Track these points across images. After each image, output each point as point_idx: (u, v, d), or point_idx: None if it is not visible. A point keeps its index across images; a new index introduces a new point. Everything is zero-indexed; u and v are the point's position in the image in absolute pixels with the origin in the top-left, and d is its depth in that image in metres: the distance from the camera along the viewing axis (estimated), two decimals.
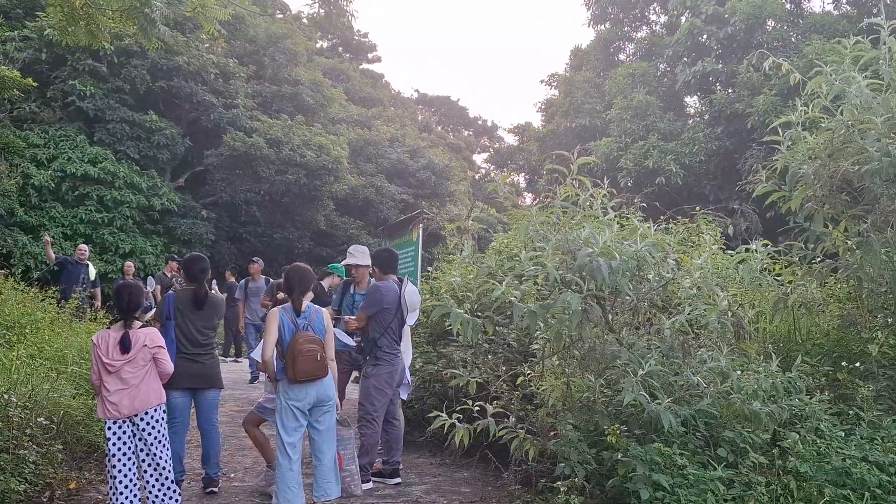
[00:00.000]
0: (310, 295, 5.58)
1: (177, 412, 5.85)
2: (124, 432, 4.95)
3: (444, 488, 6.32)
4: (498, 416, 5.33)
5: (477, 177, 50.83)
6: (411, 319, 6.64)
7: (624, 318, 4.81)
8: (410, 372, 7.45)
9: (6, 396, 5.40)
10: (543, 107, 28.30)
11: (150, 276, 15.52)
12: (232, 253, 24.49)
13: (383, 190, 29.24)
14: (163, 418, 5.07)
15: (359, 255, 7.26)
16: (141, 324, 5.06)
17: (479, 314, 6.28)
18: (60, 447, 5.79)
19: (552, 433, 5.24)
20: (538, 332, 4.90)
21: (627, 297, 4.42)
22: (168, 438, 5.12)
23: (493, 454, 6.26)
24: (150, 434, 4.97)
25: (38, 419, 5.49)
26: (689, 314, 4.62)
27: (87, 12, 9.54)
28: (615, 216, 4.81)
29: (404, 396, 6.93)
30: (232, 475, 6.58)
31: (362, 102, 40.07)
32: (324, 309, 5.54)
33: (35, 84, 19.08)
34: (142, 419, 4.95)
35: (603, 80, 24.05)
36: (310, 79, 29.13)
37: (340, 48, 49.97)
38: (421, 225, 15.36)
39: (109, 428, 4.93)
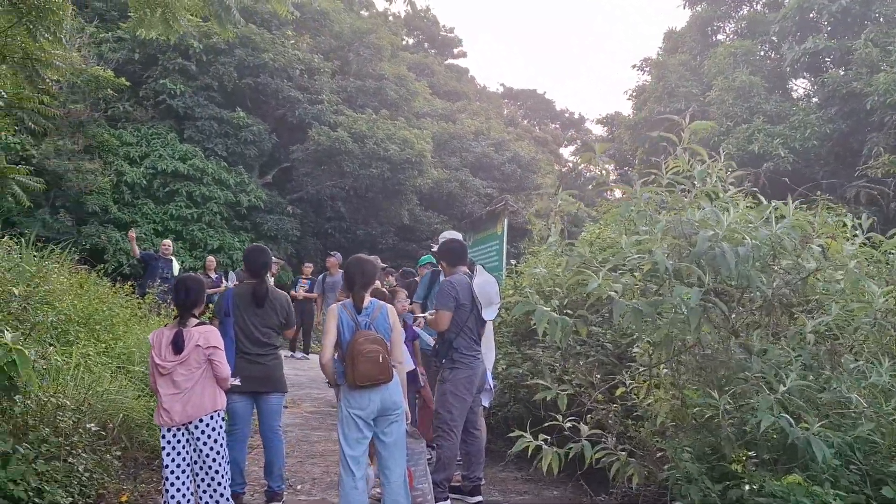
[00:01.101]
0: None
1: (236, 418, 5.36)
2: (178, 441, 4.48)
3: None
4: (593, 433, 4.60)
5: (563, 170, 49.78)
6: (489, 314, 5.93)
7: (748, 318, 4.00)
8: (493, 376, 6.77)
9: (54, 400, 4.99)
10: (635, 94, 27.05)
11: (232, 271, 15.33)
12: (317, 248, 24.37)
13: (468, 184, 28.63)
14: (220, 427, 4.57)
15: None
16: (197, 321, 4.56)
17: (569, 312, 5.60)
18: (118, 453, 5.38)
19: (659, 454, 4.48)
20: (639, 334, 4.12)
21: (757, 293, 3.61)
22: (226, 449, 4.62)
23: (587, 472, 5.54)
24: (204, 444, 4.48)
25: (88, 425, 5.06)
26: (834, 314, 3.75)
27: (162, 1, 9.28)
28: (737, 193, 3.99)
29: (486, 403, 6.24)
30: (299, 487, 6.05)
31: (447, 97, 39.65)
32: (389, 305, 4.93)
33: (128, 84, 19.33)
34: (196, 427, 4.46)
35: (699, 62, 22.68)
36: (394, 73, 28.80)
37: (426, 44, 49.79)
38: (506, 218, 14.70)
39: (164, 436, 4.48)
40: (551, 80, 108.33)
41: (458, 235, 6.98)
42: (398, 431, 4.74)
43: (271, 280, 14.40)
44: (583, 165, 52.58)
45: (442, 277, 7.04)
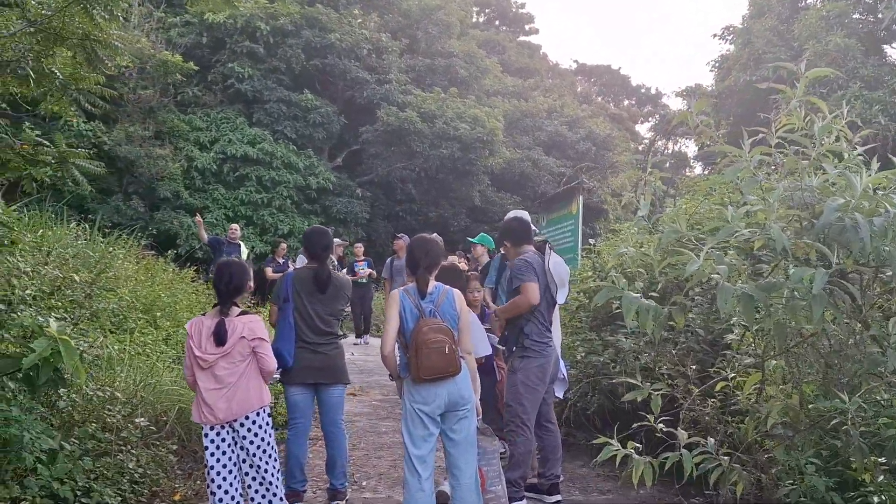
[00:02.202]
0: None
1: (297, 411, 5.01)
2: (223, 440, 4.13)
3: None
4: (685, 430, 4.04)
5: (640, 147, 48.46)
6: (561, 297, 5.40)
7: (882, 303, 3.38)
8: (571, 364, 6.25)
9: (102, 394, 4.71)
10: (717, 63, 25.78)
11: (301, 255, 15.01)
12: (387, 231, 24.11)
13: (540, 163, 27.96)
14: (268, 423, 4.20)
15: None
16: (240, 310, 4.19)
17: (654, 295, 5.06)
18: (174, 447, 5.10)
19: (766, 456, 3.92)
20: (748, 323, 3.54)
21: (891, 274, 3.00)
22: (275, 448, 4.24)
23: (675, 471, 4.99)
24: (251, 442, 4.11)
25: (139, 420, 4.77)
26: None
27: None
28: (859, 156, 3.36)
29: (559, 394, 5.72)
30: (364, 483, 5.67)
31: (518, 74, 38.91)
32: (457, 290, 4.46)
33: (196, 68, 19.37)
34: (242, 425, 4.10)
35: (787, 27, 21.35)
36: (463, 51, 28.25)
37: (497, 21, 49.08)
38: (581, 197, 14.07)
39: (206, 435, 4.13)
40: (626, 55, 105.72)
41: (524, 214, 6.47)
42: (468, 428, 4.29)
43: (335, 263, 14.21)
44: (662, 142, 51.27)
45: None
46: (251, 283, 13.04)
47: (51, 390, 4.29)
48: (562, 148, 30.17)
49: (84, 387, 4.59)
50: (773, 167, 3.60)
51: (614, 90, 55.81)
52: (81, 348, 5.12)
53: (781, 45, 20.24)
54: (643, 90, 56.65)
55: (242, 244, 13.10)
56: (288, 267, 13.15)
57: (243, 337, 4.09)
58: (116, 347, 6.02)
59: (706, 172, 34.98)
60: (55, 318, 6.03)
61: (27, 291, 5.95)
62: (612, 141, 32.07)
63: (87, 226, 9.70)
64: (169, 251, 14.93)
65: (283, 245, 13.88)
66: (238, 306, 4.23)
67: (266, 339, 4.20)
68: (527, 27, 50.63)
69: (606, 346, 6.39)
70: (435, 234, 6.01)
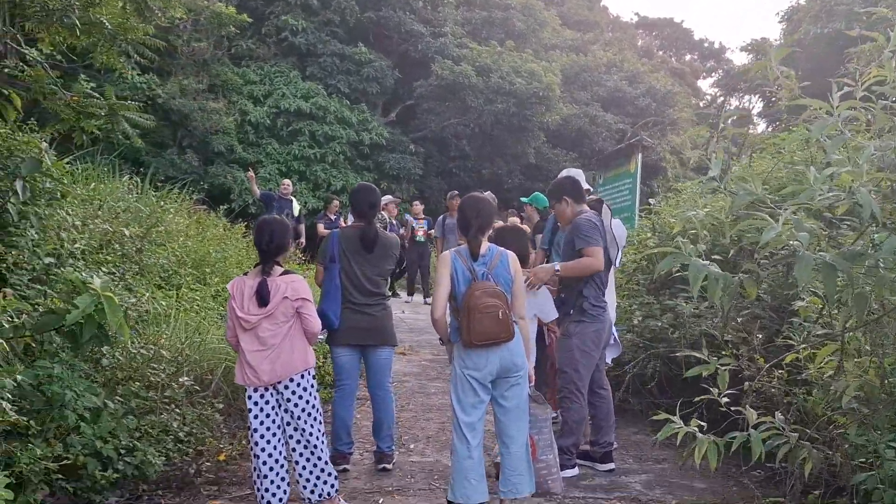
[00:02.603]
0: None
1: (343, 373, 4.90)
2: (267, 402, 4.03)
3: (672, 480, 4.91)
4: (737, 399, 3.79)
5: (702, 104, 47.10)
6: (618, 261, 5.16)
7: None
8: (627, 328, 6.01)
9: (146, 352, 4.64)
10: (786, 15, 24.59)
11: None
12: (440, 188, 23.86)
13: (598, 119, 27.20)
14: (312, 386, 4.08)
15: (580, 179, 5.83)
16: (283, 269, 4.05)
17: (717, 258, 4.78)
18: (221, 405, 5.04)
19: (837, 432, 3.66)
20: (829, 294, 3.25)
21: None
22: (320, 411, 4.13)
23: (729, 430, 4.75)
24: (296, 405, 4.01)
25: (182, 379, 4.70)
26: None
27: None
28: None
29: (609, 360, 5.51)
30: (412, 446, 5.57)
31: (577, 27, 37.92)
32: (511, 252, 4.25)
33: (250, 20, 19.23)
34: (286, 387, 3.99)
35: None
36: (521, 2, 27.52)
37: None
38: (640, 154, 13.61)
39: (250, 397, 4.03)
40: (689, 7, 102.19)
41: (577, 172, 6.18)
42: (519, 395, 4.12)
43: (387, 221, 13.89)
44: (722, 98, 49.70)
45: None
46: (302, 240, 13.01)
47: (95, 347, 4.23)
48: (621, 104, 29.31)
49: (128, 344, 4.54)
50: (859, 124, 3.27)
51: (676, 44, 54.30)
52: (126, 305, 5.09)
53: None
54: (706, 44, 54.95)
55: (294, 200, 13.05)
56: (340, 223, 13.06)
57: (286, 297, 3.95)
58: (164, 303, 5.97)
59: (770, 130, 33.75)
60: (104, 272, 6.03)
61: (76, 246, 5.93)
62: (674, 97, 31.05)
63: (139, 180, 9.70)
64: (222, 206, 15.03)
65: (336, 201, 13.76)
66: (280, 265, 4.09)
67: (310, 299, 4.06)
68: None
69: (665, 310, 6.12)
70: (488, 193, 5.79)
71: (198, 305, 6.45)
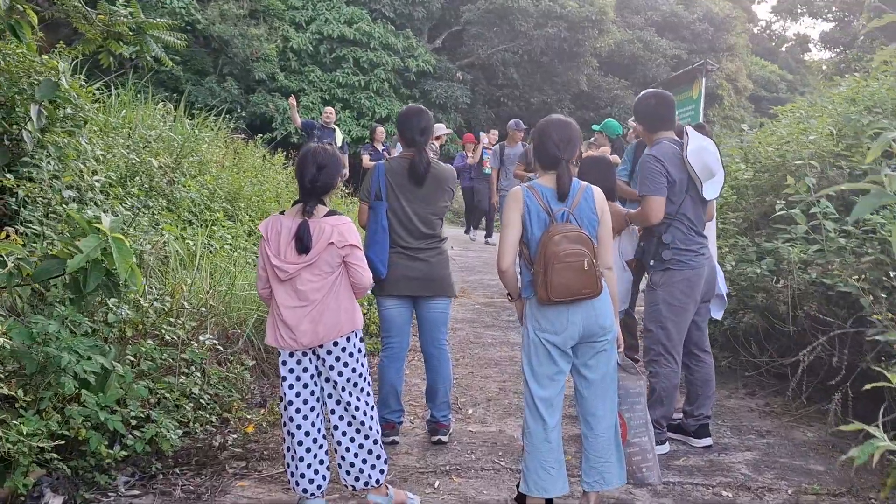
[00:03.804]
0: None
1: (392, 328, 4.22)
2: (305, 370, 3.35)
3: (782, 460, 4.15)
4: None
5: (756, 30, 44.87)
6: (712, 191, 4.26)
7: None
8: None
9: (160, 304, 3.98)
10: None
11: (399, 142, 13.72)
12: (488, 118, 22.93)
13: (652, 45, 25.81)
14: (360, 351, 3.39)
15: None
16: (327, 210, 3.33)
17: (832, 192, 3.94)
18: (251, 362, 4.42)
19: None
20: None
21: None
22: (368, 380, 3.45)
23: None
24: (340, 374, 3.32)
25: (203, 337, 4.04)
26: None
27: None
28: None
29: (717, 315, 4.70)
30: (469, 412, 4.86)
31: None
32: (595, 187, 3.47)
33: None
34: (329, 352, 3.31)
35: None
36: None
37: None
38: (704, 79, 12.65)
39: (284, 363, 3.35)
40: None
41: (664, 95, 5.32)
42: (607, 364, 3.39)
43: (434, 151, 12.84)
44: (781, 24, 47.30)
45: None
46: (345, 171, 12.29)
47: (101, 299, 3.61)
48: (676, 29, 27.80)
49: (141, 295, 3.90)
50: None
51: None
52: (141, 248, 4.46)
53: None
54: None
55: (337, 129, 12.28)
56: (388, 154, 12.25)
57: (332, 243, 3.24)
58: (191, 243, 5.34)
59: (832, 55, 31.77)
60: (125, 207, 5.40)
61: (96, 178, 5.31)
62: (731, 21, 29.33)
63: (172, 107, 9.04)
64: (263, 134, 14.38)
65: (381, 129, 12.85)
66: (325, 205, 3.37)
67: (360, 246, 3.35)
68: None
69: (762, 253, 5.29)
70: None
71: (229, 245, 5.82)
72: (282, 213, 3.38)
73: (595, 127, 8.73)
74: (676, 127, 4.38)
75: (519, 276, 3.44)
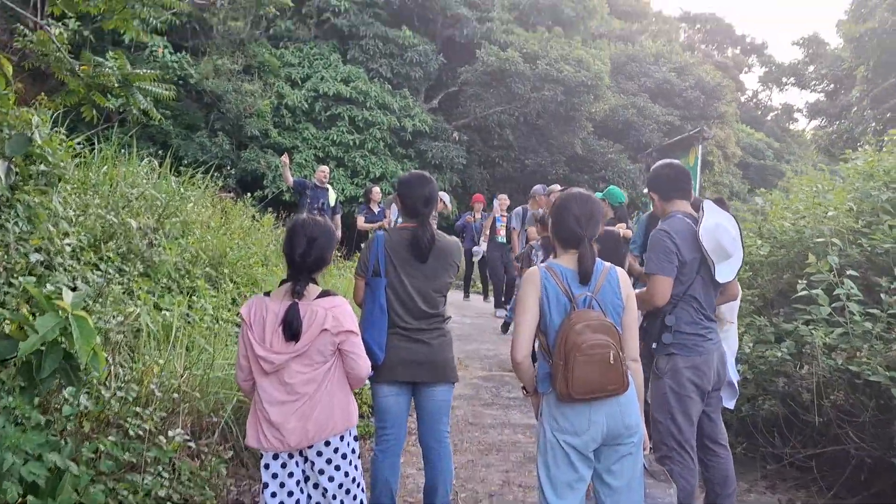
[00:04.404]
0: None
1: (388, 418, 3.77)
2: (290, 475, 2.92)
3: None
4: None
5: (743, 98, 45.75)
6: (725, 273, 3.85)
7: None
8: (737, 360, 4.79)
9: (124, 394, 3.51)
10: (853, 6, 22.97)
11: (392, 204, 13.13)
12: (483, 179, 22.76)
13: (646, 111, 25.94)
14: (353, 452, 2.97)
15: None
16: (320, 290, 2.93)
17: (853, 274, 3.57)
18: (228, 454, 3.95)
19: None
20: None
21: None
22: (362, 485, 3.01)
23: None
24: (331, 479, 2.90)
25: (172, 433, 3.56)
26: None
27: None
28: None
29: (729, 405, 4.30)
30: None
31: (625, 17, 36.72)
32: (620, 268, 3.09)
33: (291, 3, 18.25)
34: (319, 454, 2.88)
35: None
36: None
37: None
38: (700, 146, 12.55)
39: (267, 466, 2.92)
40: (730, 3, 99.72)
41: (676, 164, 5.02)
42: (632, 469, 2.97)
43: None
44: (767, 94, 48.19)
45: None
46: (338, 233, 11.90)
47: (61, 384, 3.16)
48: (669, 96, 28.02)
49: (102, 384, 3.45)
50: None
51: (718, 39, 53.47)
52: (108, 325, 4.03)
53: None
54: (748, 39, 53.94)
55: (331, 188, 11.91)
56: (385, 216, 11.79)
57: (325, 329, 2.84)
58: (168, 314, 4.90)
59: (819, 124, 32.05)
60: (97, 274, 4.98)
61: (66, 241, 4.91)
62: (722, 90, 29.65)
63: (157, 163, 8.69)
64: (254, 192, 14.04)
65: (376, 189, 12.44)
66: (317, 284, 2.97)
67: (357, 331, 2.96)
68: None
69: (781, 334, 4.90)
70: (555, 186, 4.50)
71: (210, 316, 5.38)
72: (267, 294, 2.98)
73: (598, 195, 8.44)
74: (694, 200, 4.05)
75: (535, 368, 3.04)
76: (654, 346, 3.82)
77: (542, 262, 7.51)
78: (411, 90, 21.32)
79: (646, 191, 5.34)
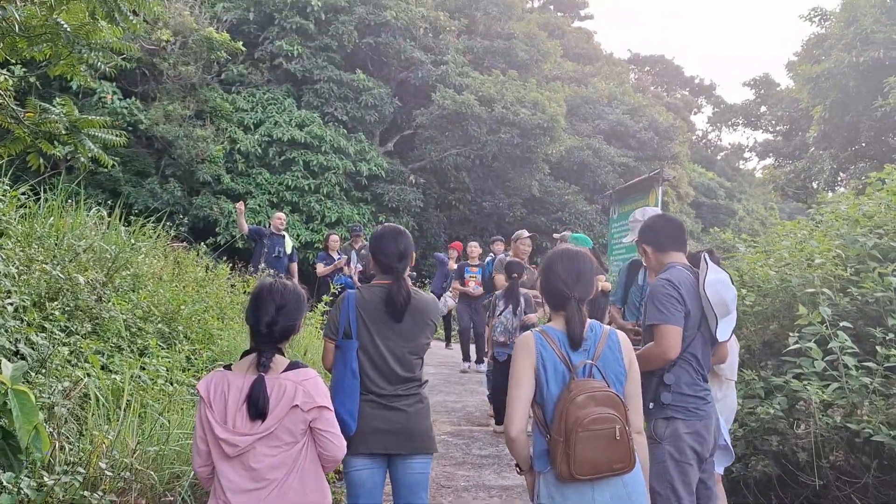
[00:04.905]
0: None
1: (361, 493, 3.47)
2: None
3: None
4: None
5: (694, 138, 46.85)
6: (724, 332, 3.68)
7: None
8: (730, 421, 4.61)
9: (70, 476, 3.14)
10: (811, 44, 23.47)
11: (353, 249, 12.56)
12: (440, 221, 22.63)
13: (601, 152, 26.29)
14: None
15: None
16: (287, 362, 2.65)
17: (847, 325, 3.42)
18: None
19: None
20: None
21: None
22: None
23: None
24: None
25: None
26: None
27: None
28: None
29: (720, 469, 4.09)
30: None
31: (577, 59, 37.38)
32: (620, 331, 2.87)
33: (244, 49, 18.08)
34: None
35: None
36: (524, 32, 26.63)
37: (551, 6, 47.58)
38: (660, 188, 12.52)
39: None
40: (678, 44, 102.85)
41: (654, 211, 4.88)
42: None
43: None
44: (716, 134, 49.40)
45: (641, 275, 4.92)
46: (295, 281, 11.54)
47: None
48: (623, 137, 28.49)
49: (44, 467, 3.09)
50: None
51: (668, 80, 54.78)
52: (52, 397, 3.67)
53: (890, 24, 18.00)
54: (696, 81, 55.32)
55: (287, 236, 11.59)
56: (347, 267, 11.41)
57: (296, 406, 2.55)
58: (118, 377, 4.54)
59: (768, 163, 32.73)
60: (42, 335, 4.59)
61: (8, 301, 4.53)
62: (675, 131, 30.24)
63: (105, 213, 8.30)
64: (208, 240, 13.61)
65: (335, 237, 12.09)
66: (283, 354, 2.68)
67: (330, 407, 2.66)
68: (582, 13, 49.52)
69: (770, 388, 4.72)
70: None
71: (163, 380, 5.01)
72: (227, 367, 2.67)
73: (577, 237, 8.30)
74: (691, 254, 3.87)
75: (531, 444, 2.79)
76: (650, 405, 3.58)
77: (501, 312, 7.30)
78: (367, 133, 21.19)
79: (631, 240, 5.14)
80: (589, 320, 2.79)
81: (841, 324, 4.25)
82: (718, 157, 49.41)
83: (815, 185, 21.75)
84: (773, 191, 26.10)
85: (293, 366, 2.64)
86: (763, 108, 32.79)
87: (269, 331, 2.60)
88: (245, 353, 2.69)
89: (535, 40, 26.92)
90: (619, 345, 2.77)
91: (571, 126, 27.00)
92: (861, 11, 18.63)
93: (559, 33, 37.76)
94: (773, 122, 29.49)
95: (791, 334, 4.46)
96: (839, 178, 20.91)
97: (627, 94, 32.33)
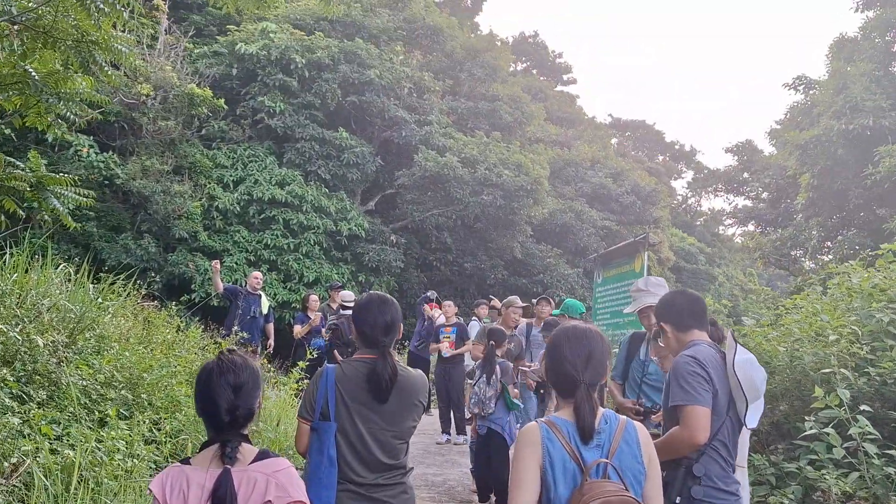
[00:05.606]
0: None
1: None
2: None
3: None
4: None
5: (674, 203, 47.26)
6: (753, 418, 3.36)
7: None
8: None
9: None
10: (790, 114, 23.77)
11: (329, 312, 12.09)
12: (421, 282, 22.29)
13: (583, 215, 26.28)
14: None
15: (659, 291, 4.17)
16: (256, 451, 2.29)
17: (867, 409, 3.12)
18: None
19: None
20: None
21: None
22: None
23: None
24: None
25: None
26: None
27: None
28: None
29: None
30: None
31: (560, 123, 37.88)
32: (637, 422, 2.55)
33: (226, 107, 17.96)
34: None
35: (884, 73, 19.22)
36: (508, 94, 26.81)
37: (535, 71, 48.42)
38: (646, 253, 12.38)
39: None
40: (658, 109, 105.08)
41: (659, 282, 4.57)
42: None
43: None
44: (696, 199, 49.91)
45: (643, 349, 4.57)
46: (270, 342, 11.02)
47: None
48: (605, 201, 28.59)
49: None
50: None
51: (648, 145, 55.65)
52: None
53: (879, 91, 18.19)
54: (677, 146, 56.26)
55: (263, 295, 11.22)
56: (323, 324, 10.98)
57: (268, 502, 2.19)
58: (72, 452, 4.14)
59: (748, 229, 32.93)
60: None
61: None
62: (657, 195, 30.43)
63: (75, 269, 7.90)
64: (182, 297, 13.19)
65: (314, 297, 11.69)
66: (251, 443, 2.33)
67: (307, 501, 2.30)
68: (564, 77, 50.40)
69: (783, 476, 4.39)
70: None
71: (122, 454, 4.60)
72: (185, 461, 2.31)
73: (555, 312, 8.02)
74: (714, 332, 3.57)
75: None
76: (676, 500, 3.21)
77: (476, 382, 6.89)
78: (348, 192, 20.99)
79: (633, 309, 4.84)
80: (602, 409, 2.47)
81: (861, 407, 3.96)
82: (698, 223, 49.78)
83: (797, 254, 21.78)
84: (759, 259, 26.07)
85: (263, 455, 2.29)
86: (746, 175, 33.09)
87: (231, 416, 2.25)
88: (204, 445, 2.33)
89: (519, 103, 27.16)
90: (637, 439, 2.44)
91: (554, 188, 27.07)
92: (850, 80, 18.87)
93: (542, 97, 38.29)
94: (760, 188, 29.69)
95: (806, 418, 4.17)
96: (826, 247, 20.97)
97: (610, 157, 32.66)
